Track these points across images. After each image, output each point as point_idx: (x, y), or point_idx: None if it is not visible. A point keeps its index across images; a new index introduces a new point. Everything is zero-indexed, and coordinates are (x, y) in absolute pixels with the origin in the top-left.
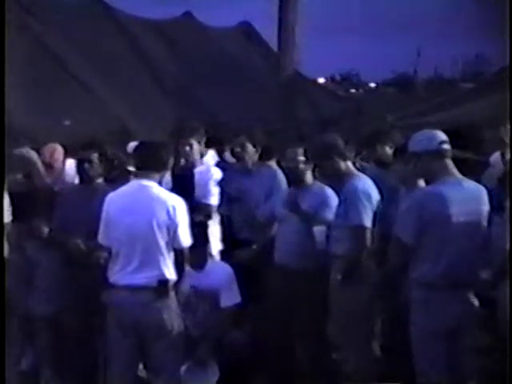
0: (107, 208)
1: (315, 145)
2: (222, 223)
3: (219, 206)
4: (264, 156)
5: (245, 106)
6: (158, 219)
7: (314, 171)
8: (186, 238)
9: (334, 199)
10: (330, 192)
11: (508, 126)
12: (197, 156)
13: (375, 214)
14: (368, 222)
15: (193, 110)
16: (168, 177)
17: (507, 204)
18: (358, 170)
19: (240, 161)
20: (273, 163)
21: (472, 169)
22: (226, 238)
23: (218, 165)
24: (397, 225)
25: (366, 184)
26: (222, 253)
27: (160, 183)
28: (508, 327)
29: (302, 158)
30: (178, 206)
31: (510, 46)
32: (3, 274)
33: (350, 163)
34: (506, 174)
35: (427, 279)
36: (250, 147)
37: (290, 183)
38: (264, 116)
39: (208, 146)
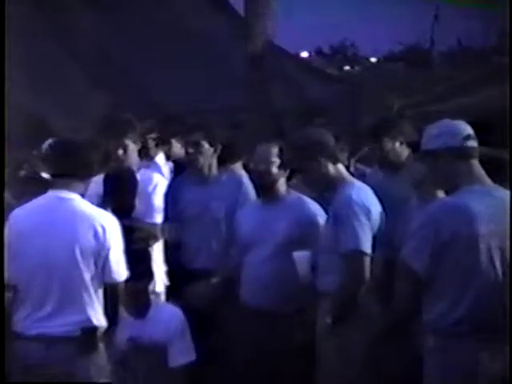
0: (11, 229)
1: (295, 142)
2: (168, 249)
3: (165, 226)
4: (226, 158)
5: (205, 92)
6: (82, 244)
7: (289, 178)
8: (120, 270)
9: (319, 215)
10: (313, 206)
11: None
12: (133, 160)
13: (376, 235)
14: (366, 245)
15: (135, 98)
16: (96, 187)
17: None
18: (353, 175)
19: (193, 165)
20: (238, 167)
21: (506, 173)
22: (173, 269)
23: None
24: (406, 248)
25: (363, 194)
26: (169, 290)
27: (83, 195)
28: (508, 327)
29: (275, 160)
30: (109, 225)
31: (509, 44)
32: (3, 273)
33: (342, 166)
34: None
35: (445, 323)
36: (205, 146)
37: (258, 193)
38: (228, 103)
39: (158, 145)
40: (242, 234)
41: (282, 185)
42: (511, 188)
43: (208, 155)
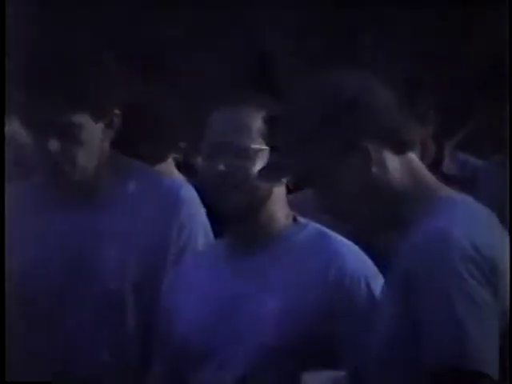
0: None
1: (304, 101)
2: None
3: None
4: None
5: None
6: None
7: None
8: None
9: (366, 278)
10: (351, 255)
11: None
12: None
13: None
14: (490, 359)
15: None
16: None
17: None
18: (447, 179)
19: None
20: (167, 167)
21: None
22: None
23: None
24: None
25: (477, 224)
26: None
27: None
28: (508, 327)
29: (257, 147)
30: None
31: (509, 46)
32: (3, 273)
33: (418, 160)
34: None
35: None
36: (88, 126)
37: (218, 223)
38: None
39: None
40: (181, 331)
41: (275, 207)
42: (511, 192)
43: (92, 146)
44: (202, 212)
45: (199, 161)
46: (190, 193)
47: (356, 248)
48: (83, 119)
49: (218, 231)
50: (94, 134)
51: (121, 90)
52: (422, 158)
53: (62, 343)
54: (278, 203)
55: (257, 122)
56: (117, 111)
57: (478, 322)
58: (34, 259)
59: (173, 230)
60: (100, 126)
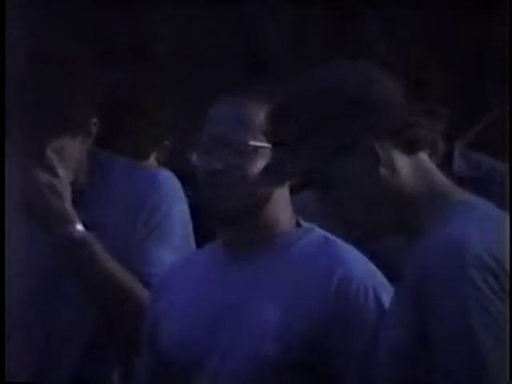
0: None
1: (307, 94)
2: None
3: None
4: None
5: None
6: None
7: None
8: None
9: (373, 287)
10: (357, 263)
11: None
12: None
13: None
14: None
15: None
16: None
17: None
18: (461, 181)
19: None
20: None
21: None
22: None
23: None
24: None
25: (493, 232)
26: None
27: None
28: (508, 327)
29: (255, 144)
30: None
31: (509, 47)
32: (3, 273)
33: (429, 161)
34: None
35: None
36: None
37: (212, 226)
38: None
39: None
40: (166, 342)
41: (276, 209)
42: (511, 198)
43: (71, 161)
44: (182, 202)
45: (193, 158)
46: (170, 180)
47: (363, 256)
48: (63, 142)
49: (211, 234)
50: (74, 151)
51: (99, 90)
52: (430, 158)
53: None
54: (280, 206)
55: (259, 117)
56: (94, 120)
57: (493, 334)
58: None
59: (144, 209)
60: (79, 139)
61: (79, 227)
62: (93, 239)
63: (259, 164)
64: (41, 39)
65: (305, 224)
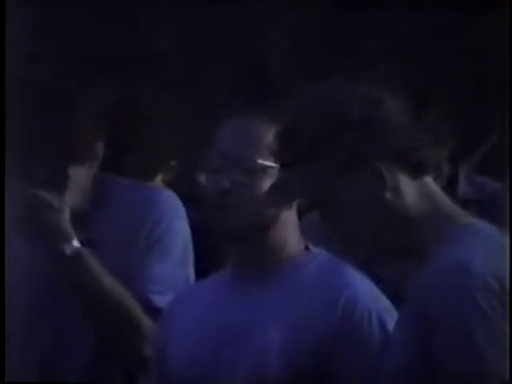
0: None
1: (312, 113)
2: None
3: None
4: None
5: None
6: None
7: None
8: None
9: (377, 312)
10: (363, 287)
11: None
12: None
13: None
14: None
15: None
16: None
17: None
18: (466, 204)
19: None
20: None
21: None
22: None
23: None
24: None
25: (499, 257)
26: None
27: None
28: (508, 327)
29: (266, 163)
30: None
31: (509, 48)
32: (3, 273)
33: (434, 184)
34: None
35: None
36: None
37: (221, 246)
38: None
39: None
40: (175, 363)
41: (284, 231)
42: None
43: (79, 187)
44: (183, 220)
45: (202, 178)
46: (172, 198)
47: (368, 280)
48: (70, 170)
49: (215, 256)
50: (81, 175)
51: (104, 111)
52: (435, 181)
53: None
54: (288, 228)
55: (267, 137)
56: (100, 145)
57: (499, 358)
58: None
59: (145, 224)
60: (86, 165)
61: (75, 243)
62: (88, 255)
63: (267, 183)
64: (40, 68)
65: (313, 249)
